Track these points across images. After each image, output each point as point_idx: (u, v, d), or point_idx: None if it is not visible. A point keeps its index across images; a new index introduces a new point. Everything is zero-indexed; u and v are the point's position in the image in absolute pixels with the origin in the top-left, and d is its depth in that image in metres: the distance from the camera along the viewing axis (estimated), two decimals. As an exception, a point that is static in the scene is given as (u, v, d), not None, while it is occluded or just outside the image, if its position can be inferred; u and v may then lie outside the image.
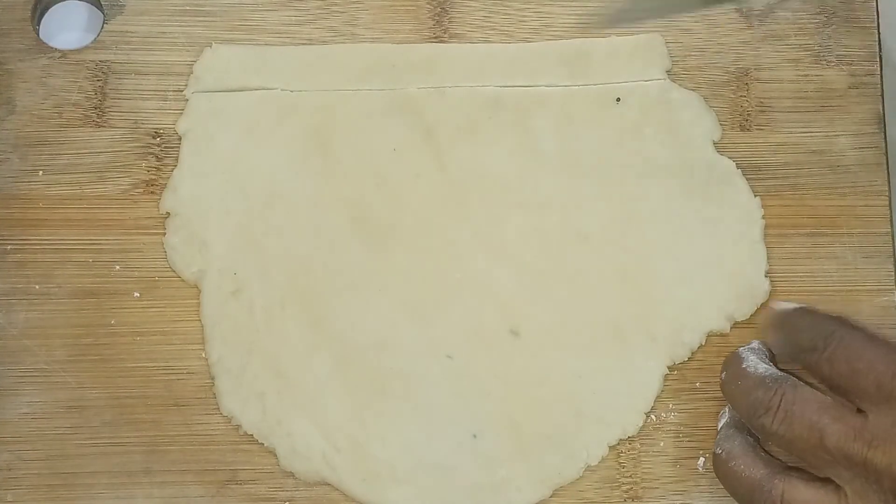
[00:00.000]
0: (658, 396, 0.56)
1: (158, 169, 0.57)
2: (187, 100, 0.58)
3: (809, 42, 0.60)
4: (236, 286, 0.56)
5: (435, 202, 0.57)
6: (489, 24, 0.60)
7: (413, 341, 0.56)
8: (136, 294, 0.56)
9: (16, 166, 0.57)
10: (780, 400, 0.50)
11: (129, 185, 0.57)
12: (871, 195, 0.58)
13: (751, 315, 0.57)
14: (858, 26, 0.60)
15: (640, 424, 0.56)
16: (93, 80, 0.58)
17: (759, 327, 0.55)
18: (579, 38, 0.60)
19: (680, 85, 0.59)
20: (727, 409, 0.54)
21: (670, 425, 0.56)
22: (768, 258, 0.57)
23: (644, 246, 0.57)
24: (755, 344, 0.54)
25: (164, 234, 0.57)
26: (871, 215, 0.58)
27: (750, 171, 0.58)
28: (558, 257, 0.57)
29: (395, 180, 0.57)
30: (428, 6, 0.60)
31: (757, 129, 0.59)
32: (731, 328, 0.57)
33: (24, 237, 0.56)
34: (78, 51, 0.58)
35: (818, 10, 0.61)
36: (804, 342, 0.52)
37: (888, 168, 0.59)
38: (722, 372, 0.54)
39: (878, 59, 0.60)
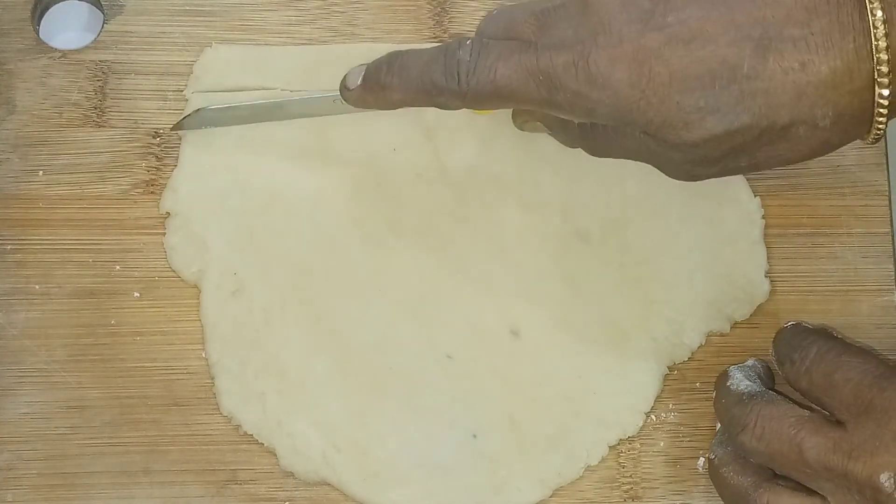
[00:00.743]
0: (658, 396, 0.56)
1: (158, 169, 0.57)
2: (187, 100, 0.58)
3: (809, 42, 0.60)
4: (236, 286, 0.56)
5: (435, 202, 0.57)
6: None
7: (413, 341, 0.56)
8: (136, 294, 0.56)
9: (16, 166, 0.57)
10: (756, 416, 0.50)
11: (129, 185, 0.57)
12: (871, 195, 0.59)
13: (750, 315, 0.57)
14: (858, 26, 0.60)
15: (640, 424, 0.56)
16: (93, 80, 0.58)
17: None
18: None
19: (680, 85, 0.59)
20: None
21: (670, 425, 0.56)
22: (768, 258, 0.57)
23: (644, 246, 0.57)
24: (750, 362, 0.54)
25: (164, 234, 0.57)
26: (871, 215, 0.58)
27: (750, 170, 0.58)
28: (558, 257, 0.57)
29: (395, 180, 0.57)
30: (428, 6, 0.60)
31: (757, 129, 0.59)
32: (731, 328, 0.57)
33: (24, 237, 0.56)
34: (78, 51, 0.58)
35: (818, 10, 0.61)
36: (782, 356, 0.52)
37: (888, 168, 0.59)
38: (713, 390, 0.54)
39: (878, 59, 0.60)
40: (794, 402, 0.51)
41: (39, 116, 0.57)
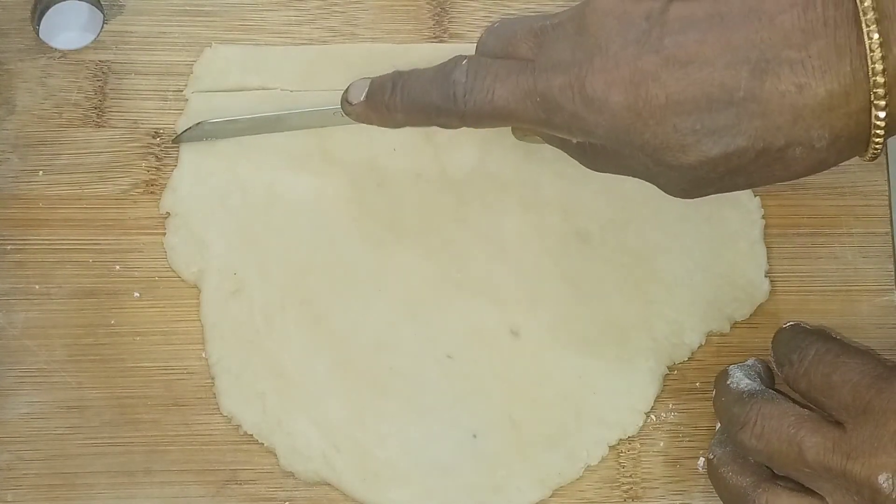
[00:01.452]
0: (658, 396, 0.56)
1: (158, 169, 0.57)
2: (187, 100, 0.58)
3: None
4: (236, 286, 0.56)
5: (435, 202, 0.57)
6: (489, 23, 0.60)
7: (413, 341, 0.56)
8: (136, 294, 0.56)
9: (16, 166, 0.57)
10: (756, 415, 0.50)
11: (129, 185, 0.57)
12: (871, 195, 0.59)
13: (750, 315, 0.57)
14: (858, 26, 0.60)
15: (640, 424, 0.56)
16: (93, 80, 0.58)
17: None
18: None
19: (680, 85, 0.59)
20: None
21: (670, 425, 0.56)
22: (768, 258, 0.58)
23: (644, 246, 0.57)
24: (750, 361, 0.54)
25: (164, 234, 0.57)
26: (871, 215, 0.58)
27: (750, 171, 0.58)
28: (558, 257, 0.57)
29: (395, 180, 0.57)
30: (428, 6, 0.60)
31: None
32: (731, 328, 0.57)
33: (24, 237, 0.56)
34: (78, 51, 0.58)
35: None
36: (781, 357, 0.52)
37: (888, 168, 0.59)
38: (713, 388, 0.54)
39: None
40: (795, 401, 0.51)
41: (39, 116, 0.57)
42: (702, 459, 0.55)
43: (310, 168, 0.57)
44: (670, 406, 0.56)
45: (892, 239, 0.58)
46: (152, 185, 0.57)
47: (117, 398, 0.55)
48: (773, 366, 0.53)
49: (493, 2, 0.60)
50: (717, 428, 0.54)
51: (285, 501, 0.54)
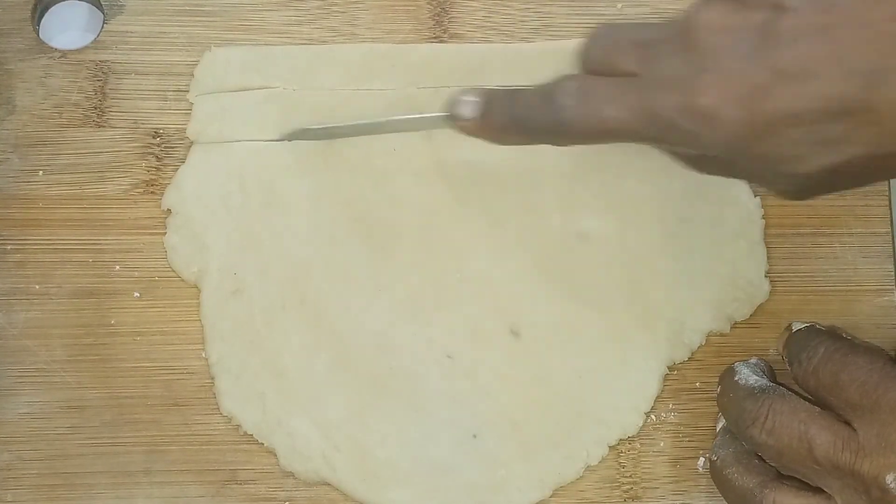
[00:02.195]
0: (658, 396, 0.56)
1: (158, 169, 0.57)
2: (191, 103, 0.58)
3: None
4: (236, 286, 0.56)
5: (435, 202, 0.57)
6: (489, 24, 0.60)
7: (413, 341, 0.56)
8: (136, 294, 0.56)
9: (16, 166, 0.57)
10: (768, 410, 0.50)
11: (129, 185, 0.57)
12: (871, 195, 0.58)
13: (751, 315, 0.57)
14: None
15: (640, 424, 0.56)
16: (93, 80, 0.58)
17: (777, 348, 0.55)
18: (579, 38, 0.60)
19: (680, 85, 0.59)
20: (725, 414, 0.54)
21: (670, 425, 0.56)
22: (768, 258, 0.57)
23: (644, 246, 0.57)
24: (754, 360, 0.54)
25: (165, 233, 0.57)
26: (871, 215, 0.58)
27: (750, 171, 0.58)
28: (558, 257, 0.57)
29: (395, 180, 0.57)
30: (428, 6, 0.60)
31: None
32: (731, 328, 0.57)
33: (24, 237, 0.56)
34: (78, 51, 0.58)
35: (818, 10, 0.61)
36: (792, 357, 0.52)
37: (888, 168, 0.59)
38: (717, 385, 0.54)
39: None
40: (805, 399, 0.51)
41: (39, 116, 0.57)
42: (702, 459, 0.55)
43: (310, 168, 0.57)
44: (670, 406, 0.56)
45: (893, 239, 0.58)
46: (152, 185, 0.57)
47: (117, 398, 0.55)
48: (776, 365, 0.53)
49: (493, 2, 0.60)
50: (718, 429, 0.54)
51: (285, 501, 0.54)
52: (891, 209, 0.58)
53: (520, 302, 0.56)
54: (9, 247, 0.56)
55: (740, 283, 0.57)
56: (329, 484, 0.54)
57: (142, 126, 0.58)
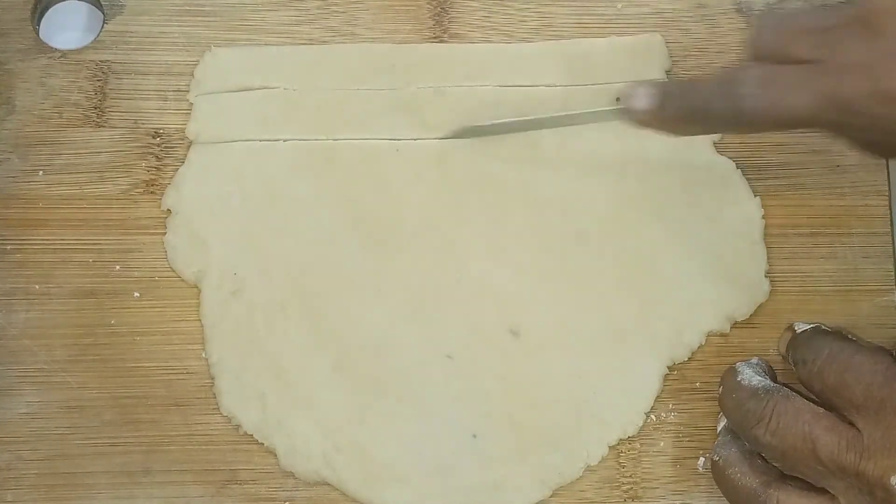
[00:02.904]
0: (658, 396, 0.56)
1: (158, 169, 0.57)
2: (191, 103, 0.58)
3: (809, 42, 0.60)
4: (236, 286, 0.56)
5: (435, 202, 0.57)
6: (489, 24, 0.60)
7: (413, 341, 0.56)
8: (136, 294, 0.56)
9: (16, 166, 0.57)
10: (772, 410, 0.50)
11: (129, 185, 0.57)
12: (871, 195, 0.58)
13: (750, 315, 0.57)
14: (858, 26, 0.60)
15: (640, 424, 0.56)
16: (93, 80, 0.58)
17: (777, 349, 0.55)
18: (579, 38, 0.60)
19: (680, 85, 0.59)
20: (726, 414, 0.54)
21: (670, 425, 0.56)
22: (768, 258, 0.57)
23: (644, 246, 0.57)
24: (755, 360, 0.54)
25: (165, 233, 0.57)
26: (871, 215, 0.58)
27: (750, 171, 0.58)
28: (558, 257, 0.57)
29: (396, 180, 0.57)
30: (428, 6, 0.60)
31: (757, 129, 0.59)
32: (731, 328, 0.57)
33: (24, 237, 0.56)
34: (78, 51, 0.59)
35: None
36: (797, 358, 0.52)
37: (888, 168, 0.59)
38: (719, 385, 0.54)
39: (878, 59, 0.60)
40: (809, 399, 0.51)
41: (39, 116, 0.58)
42: (702, 459, 0.55)
43: (310, 168, 0.57)
44: (670, 406, 0.56)
45: (893, 239, 0.58)
46: (152, 185, 0.57)
47: (117, 398, 0.55)
48: (790, 365, 0.53)
49: (493, 2, 0.60)
50: (719, 429, 0.54)
51: (285, 501, 0.54)
52: (891, 209, 0.58)
53: (519, 302, 0.56)
54: (9, 247, 0.56)
55: (740, 283, 0.57)
56: (329, 484, 0.54)
57: (142, 126, 0.58)
